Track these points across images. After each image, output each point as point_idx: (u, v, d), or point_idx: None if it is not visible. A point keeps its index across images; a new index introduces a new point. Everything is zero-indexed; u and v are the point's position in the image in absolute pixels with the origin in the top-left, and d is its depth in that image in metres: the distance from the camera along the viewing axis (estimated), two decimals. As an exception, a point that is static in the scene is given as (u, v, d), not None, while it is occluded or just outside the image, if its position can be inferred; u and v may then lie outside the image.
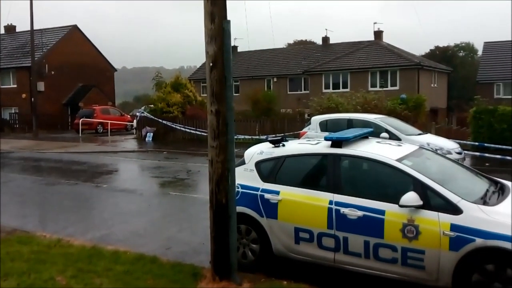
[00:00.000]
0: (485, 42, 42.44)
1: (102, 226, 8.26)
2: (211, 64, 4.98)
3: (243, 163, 6.19)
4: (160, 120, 24.54)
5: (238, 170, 5.87)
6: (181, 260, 6.05)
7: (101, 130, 30.70)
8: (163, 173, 14.66)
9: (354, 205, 5.13)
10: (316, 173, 5.91)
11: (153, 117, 25.05)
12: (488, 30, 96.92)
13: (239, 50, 45.35)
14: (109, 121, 30.14)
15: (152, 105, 27.16)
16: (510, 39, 41.05)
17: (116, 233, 7.75)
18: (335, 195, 5.30)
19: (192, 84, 28.34)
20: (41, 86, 33.71)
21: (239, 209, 5.61)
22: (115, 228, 8.11)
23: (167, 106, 25.43)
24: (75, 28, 40.33)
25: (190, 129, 23.25)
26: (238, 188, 5.79)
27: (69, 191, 11.65)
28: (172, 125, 24.07)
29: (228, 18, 5.01)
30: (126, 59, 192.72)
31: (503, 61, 38.39)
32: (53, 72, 36.65)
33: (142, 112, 26.67)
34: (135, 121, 28.56)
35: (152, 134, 24.86)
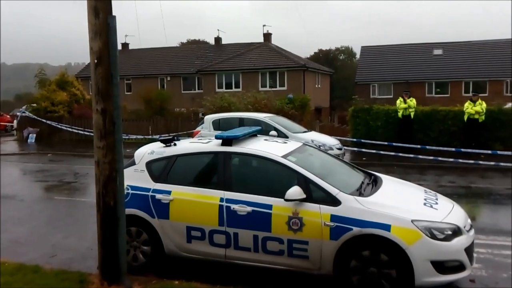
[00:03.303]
0: (362, 46, 46.05)
1: (-25, 237, 7.50)
2: (96, 61, 4.80)
3: (133, 163, 6.06)
4: (44, 120, 22.96)
5: (128, 171, 5.76)
6: (67, 268, 5.75)
7: (-25, 132, 27.84)
8: (48, 176, 13.72)
9: (244, 201, 5.29)
10: (207, 171, 5.98)
11: (35, 117, 23.36)
12: (365, 35, 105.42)
13: (130, 47, 43.94)
14: (-16, 122, 27.41)
15: (34, 104, 25.27)
16: (385, 43, 45.07)
17: (-8, 244, 7.10)
18: (226, 192, 5.42)
19: (79, 82, 26.86)
20: None
21: (129, 211, 5.50)
22: (-9, 238, 7.42)
23: (51, 105, 23.94)
24: None
25: (77, 129, 22.04)
26: (127, 189, 5.68)
27: None
28: (58, 126, 22.64)
29: (114, 14, 4.87)
30: (5, 55, 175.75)
31: (378, 64, 42.05)
32: None
33: (23, 112, 24.72)
34: (15, 121, 26.35)
35: (34, 135, 23.16)
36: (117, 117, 4.88)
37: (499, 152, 13.62)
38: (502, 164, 12.88)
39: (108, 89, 4.82)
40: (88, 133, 20.79)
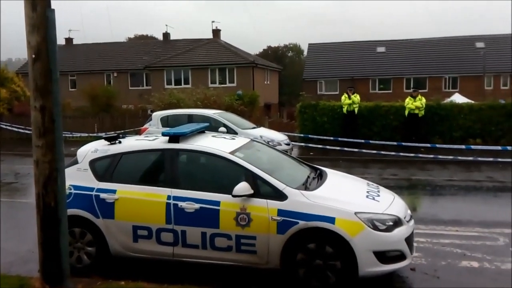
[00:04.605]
0: (309, 44, 46.86)
1: None
2: (33, 56, 4.61)
3: (75, 162, 5.89)
4: (-19, 119, 21.80)
5: (71, 170, 5.61)
6: (6, 272, 5.49)
7: None
8: (-15, 177, 13.01)
9: (192, 198, 5.27)
10: (154, 169, 5.90)
11: (-28, 115, 22.12)
12: (311, 33, 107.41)
13: (74, 42, 42.45)
14: None
15: (-29, 102, 23.97)
16: (331, 41, 46.05)
17: None
18: (173, 190, 5.37)
19: (20, 78, 25.67)
20: None
21: (72, 211, 5.36)
22: None
23: (-10, 103, 22.82)
24: None
25: (18, 127, 21.02)
26: (70, 189, 5.53)
27: None
28: (-4, 124, 21.54)
29: (54, 7, 4.69)
30: None
31: (325, 61, 42.99)
32: None
33: (-41, 110, 23.36)
34: (-51, 120, 24.86)
35: (-29, 134, 21.92)
36: (57, 114, 4.70)
37: (437, 145, 14.28)
38: (440, 157, 13.51)
39: (47, 85, 4.63)
40: (29, 132, 19.68)
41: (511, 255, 6.06)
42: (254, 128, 14.19)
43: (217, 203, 5.18)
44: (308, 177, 5.82)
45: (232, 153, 5.50)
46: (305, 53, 52.21)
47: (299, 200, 5.04)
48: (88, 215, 5.52)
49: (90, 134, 19.14)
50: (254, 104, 25.72)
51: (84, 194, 5.59)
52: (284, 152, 7.41)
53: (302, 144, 16.61)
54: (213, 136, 6.43)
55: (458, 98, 23.84)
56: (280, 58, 61.61)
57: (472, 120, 16.12)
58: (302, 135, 17.13)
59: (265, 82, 37.85)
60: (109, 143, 5.97)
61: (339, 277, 4.87)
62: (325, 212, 4.92)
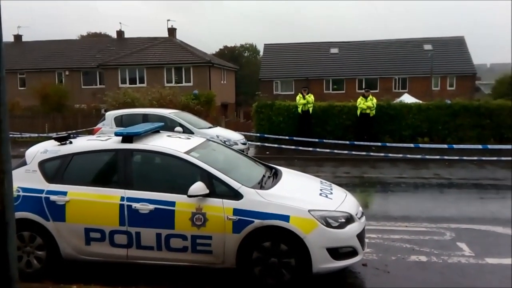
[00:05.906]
0: (265, 44, 47.14)
1: None
2: (-23, 54, 4.41)
3: (24, 163, 5.69)
4: None
5: (19, 172, 5.43)
6: None
7: None
8: None
9: (146, 199, 5.21)
10: (106, 170, 5.77)
11: None
12: (267, 34, 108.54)
13: (24, 39, 40.80)
14: None
15: None
16: (287, 42, 46.52)
17: None
18: (127, 191, 5.29)
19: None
20: None
21: (21, 214, 5.18)
22: None
23: None
24: None
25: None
26: (18, 191, 5.35)
27: None
28: None
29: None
30: None
31: (281, 62, 43.41)
32: None
33: None
34: None
35: None
36: (3, 114, 4.50)
37: (388, 144, 14.77)
38: (390, 155, 13.98)
39: (-8, 84, 4.44)
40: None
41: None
42: (210, 127, 14.16)
43: (172, 203, 5.14)
44: (264, 176, 5.87)
45: (187, 152, 5.48)
46: (261, 53, 52.49)
47: (254, 199, 5.08)
48: (37, 218, 5.34)
49: (41, 135, 18.47)
50: (210, 104, 25.63)
51: (33, 196, 5.41)
52: (240, 151, 7.44)
53: (259, 143, 16.75)
54: (168, 135, 6.36)
55: (407, 98, 24.69)
56: (236, 58, 61.69)
57: (420, 119, 16.77)
58: (258, 134, 17.27)
59: (222, 82, 37.80)
60: (59, 143, 5.81)
61: (294, 274, 4.95)
62: (279, 210, 4.99)
